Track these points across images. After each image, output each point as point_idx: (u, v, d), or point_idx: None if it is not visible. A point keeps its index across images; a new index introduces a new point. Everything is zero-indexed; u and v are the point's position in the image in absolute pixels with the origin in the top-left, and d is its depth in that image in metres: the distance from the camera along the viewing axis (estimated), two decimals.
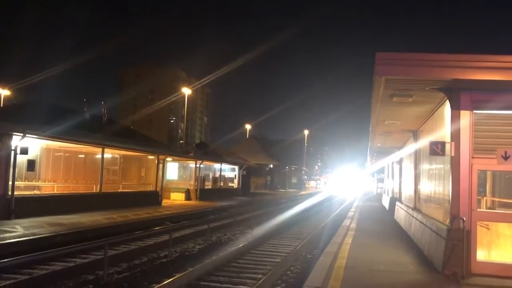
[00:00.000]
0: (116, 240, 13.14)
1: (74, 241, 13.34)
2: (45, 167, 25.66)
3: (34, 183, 23.89)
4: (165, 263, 12.68)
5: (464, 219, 8.91)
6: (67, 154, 27.37)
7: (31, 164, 22.39)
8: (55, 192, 23.75)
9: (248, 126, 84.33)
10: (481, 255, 10.69)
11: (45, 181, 25.15)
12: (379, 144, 24.25)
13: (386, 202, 33.62)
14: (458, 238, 8.89)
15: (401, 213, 19.96)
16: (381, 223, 20.19)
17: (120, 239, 13.66)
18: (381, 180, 57.15)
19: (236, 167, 49.80)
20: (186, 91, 55.34)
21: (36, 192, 22.76)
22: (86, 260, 12.24)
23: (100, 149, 23.71)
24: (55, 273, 10.74)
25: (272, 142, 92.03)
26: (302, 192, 72.56)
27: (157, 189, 29.40)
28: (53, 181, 25.45)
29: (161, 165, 30.11)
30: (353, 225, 18.35)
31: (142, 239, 15.79)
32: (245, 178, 51.67)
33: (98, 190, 23.79)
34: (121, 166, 31.41)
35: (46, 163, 25.79)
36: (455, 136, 9.27)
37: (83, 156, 28.89)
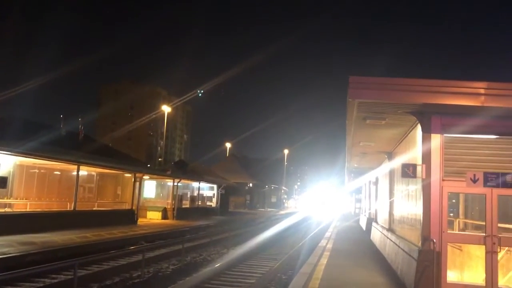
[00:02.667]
0: (87, 260, 12.88)
1: (46, 261, 13.02)
2: (18, 184, 25.11)
3: (5, 200, 23.33)
4: (137, 284, 12.46)
5: (435, 240, 9.04)
6: (41, 171, 26.87)
7: (3, 181, 21.88)
8: (28, 210, 23.24)
9: (228, 145, 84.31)
10: (453, 276, 10.82)
11: (17, 199, 24.59)
12: (355, 165, 24.52)
13: (363, 223, 33.79)
14: (429, 259, 9.00)
15: (376, 234, 20.09)
16: (357, 244, 20.26)
17: (92, 259, 13.39)
18: (359, 200, 57.48)
19: (215, 186, 49.53)
20: (166, 108, 55.12)
21: (7, 209, 22.20)
22: (56, 281, 11.95)
23: (75, 167, 23.34)
24: None
25: (252, 161, 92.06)
26: (281, 212, 72.44)
27: (133, 207, 29.00)
28: (26, 199, 24.91)
29: (137, 183, 29.78)
30: (329, 246, 18.38)
31: (115, 258, 15.51)
32: (223, 197, 51.37)
33: (72, 208, 23.32)
34: (97, 184, 30.96)
35: (19, 180, 25.25)
36: (426, 159, 9.47)
37: (58, 173, 28.39)
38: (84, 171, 27.33)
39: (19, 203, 24.15)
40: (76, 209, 23.29)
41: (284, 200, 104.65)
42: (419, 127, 9.91)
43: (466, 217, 13.47)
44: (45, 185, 27.30)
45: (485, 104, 8.61)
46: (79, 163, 23.11)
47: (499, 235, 9.05)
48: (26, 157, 20.32)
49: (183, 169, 45.09)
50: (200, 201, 44.88)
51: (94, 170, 28.83)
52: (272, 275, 14.16)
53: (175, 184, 35.76)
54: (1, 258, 13.09)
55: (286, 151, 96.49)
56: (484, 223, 9.28)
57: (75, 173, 23.87)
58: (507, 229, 10.20)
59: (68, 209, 24.16)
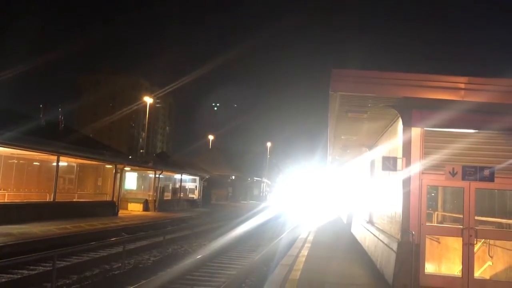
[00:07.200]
0: (67, 251, 12.75)
1: (24, 252, 12.84)
2: None
3: None
4: (117, 275, 12.38)
5: (413, 233, 9.17)
6: (20, 161, 26.42)
7: None
8: (6, 200, 22.87)
9: (211, 137, 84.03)
10: (431, 268, 11.03)
11: None
12: (337, 157, 24.70)
13: (344, 215, 34.06)
14: (408, 251, 9.13)
15: (357, 227, 20.30)
16: (338, 236, 20.44)
17: (71, 250, 13.27)
18: (340, 193, 57.75)
19: (197, 178, 49.40)
20: (148, 100, 54.54)
21: None
22: (34, 272, 11.81)
23: (55, 157, 23.00)
24: None
25: (235, 154, 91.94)
26: (263, 204, 72.60)
27: (114, 199, 28.73)
28: (4, 189, 24.48)
29: (118, 175, 29.51)
30: (310, 238, 18.52)
31: (95, 250, 15.41)
32: (206, 189, 51.28)
33: (52, 199, 23.02)
34: (77, 175, 30.59)
35: None
36: (406, 152, 9.57)
37: (37, 163, 27.96)
38: (64, 161, 26.95)
39: None
40: (56, 200, 23.00)
41: (266, 193, 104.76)
42: (400, 121, 10.00)
43: (444, 210, 13.72)
44: (24, 175, 26.87)
45: (465, 99, 8.72)
46: (59, 153, 22.78)
47: (476, 228, 9.23)
48: (4, 147, 19.95)
49: (165, 161, 44.77)
50: (182, 193, 44.72)
51: (74, 161, 28.45)
52: (253, 266, 14.22)
53: (157, 176, 35.56)
54: None
55: (269, 144, 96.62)
56: (461, 216, 9.45)
57: (55, 163, 23.53)
58: (483, 222, 10.42)
59: (47, 200, 23.80)
